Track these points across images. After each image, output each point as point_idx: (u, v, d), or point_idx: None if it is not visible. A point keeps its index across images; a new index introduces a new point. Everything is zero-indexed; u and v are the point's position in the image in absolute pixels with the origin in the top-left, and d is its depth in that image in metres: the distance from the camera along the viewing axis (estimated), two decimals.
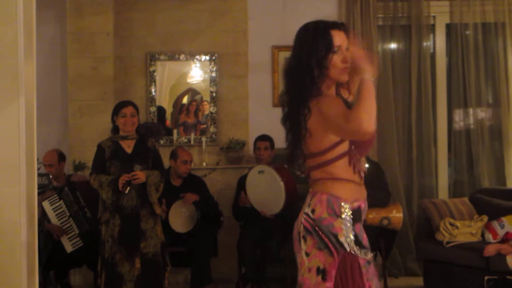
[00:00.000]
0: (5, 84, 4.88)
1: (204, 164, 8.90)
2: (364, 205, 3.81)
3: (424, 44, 9.11)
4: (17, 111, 4.90)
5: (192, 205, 7.73)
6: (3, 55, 4.90)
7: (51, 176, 7.64)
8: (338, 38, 3.65)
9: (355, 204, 3.71)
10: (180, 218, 7.68)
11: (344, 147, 3.66)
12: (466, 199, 8.36)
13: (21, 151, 4.93)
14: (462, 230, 7.80)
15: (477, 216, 7.99)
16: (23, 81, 4.92)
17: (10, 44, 4.89)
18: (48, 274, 7.74)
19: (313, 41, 3.64)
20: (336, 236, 3.61)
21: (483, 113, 9.14)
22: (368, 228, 7.07)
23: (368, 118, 3.45)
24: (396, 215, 7.43)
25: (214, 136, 9.06)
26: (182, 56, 9.06)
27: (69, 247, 7.49)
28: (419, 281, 8.25)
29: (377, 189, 7.48)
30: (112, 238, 6.73)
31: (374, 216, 7.33)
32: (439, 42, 9.29)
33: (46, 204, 7.48)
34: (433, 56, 9.28)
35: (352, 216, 3.67)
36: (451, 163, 9.30)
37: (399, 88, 9.07)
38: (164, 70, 9.12)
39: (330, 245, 3.60)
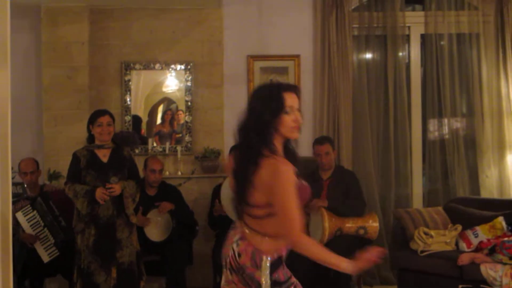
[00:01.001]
0: None
1: (179, 173, 8.90)
2: (286, 249, 4.05)
3: (400, 54, 9.17)
4: None
5: (168, 214, 7.75)
6: None
7: (25, 185, 7.63)
8: (290, 99, 3.89)
9: (275, 255, 3.96)
10: (155, 227, 7.69)
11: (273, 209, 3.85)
12: (440, 208, 8.40)
13: None
14: (436, 239, 7.85)
15: (451, 225, 8.04)
16: None
17: None
18: (23, 283, 7.73)
19: (265, 103, 3.87)
20: (258, 282, 3.89)
21: (457, 123, 9.22)
22: (344, 237, 7.17)
23: (307, 245, 3.92)
24: (373, 224, 7.46)
25: (189, 145, 9.06)
26: (157, 65, 9.07)
27: (45, 257, 7.47)
28: None
29: (352, 198, 7.53)
30: (88, 247, 6.73)
31: (351, 225, 7.35)
32: (414, 52, 9.35)
33: (19, 215, 7.44)
34: (408, 66, 9.34)
35: (270, 269, 3.92)
36: (426, 173, 9.36)
37: (375, 98, 9.12)
38: (139, 79, 9.12)
39: (253, 286, 3.91)
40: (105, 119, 6.89)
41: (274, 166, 3.78)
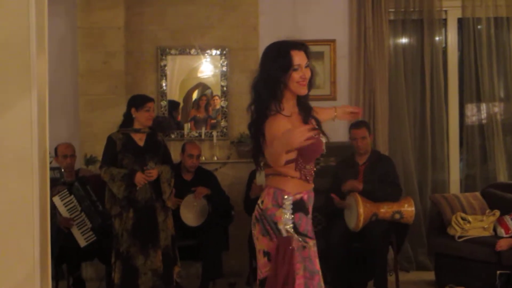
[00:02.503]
0: (18, 78, 4.91)
1: (215, 158, 8.93)
2: (307, 195, 4.23)
3: (436, 38, 9.12)
4: (29, 105, 4.92)
5: (203, 199, 7.76)
6: (15, 50, 4.92)
7: (62, 170, 7.69)
8: (298, 57, 4.12)
9: (298, 196, 4.15)
10: (191, 212, 7.71)
11: (291, 155, 4.03)
12: (478, 193, 8.38)
13: (33, 144, 4.96)
14: (474, 225, 7.83)
15: (489, 211, 8.01)
16: (35, 75, 4.94)
17: (22, 39, 4.92)
18: (60, 268, 7.81)
19: (275, 60, 4.12)
20: (276, 224, 4.07)
21: (495, 108, 9.15)
22: (380, 222, 7.16)
23: (275, 159, 3.94)
24: (408, 209, 7.44)
25: (225, 130, 9.09)
26: (192, 51, 9.08)
27: (82, 242, 7.53)
28: (431, 275, 8.30)
29: (388, 183, 7.52)
30: (127, 231, 6.75)
31: (386, 210, 7.34)
32: (451, 36, 9.30)
33: (56, 200, 7.51)
34: (445, 50, 9.30)
35: (292, 207, 4.12)
36: (463, 158, 9.32)
37: (411, 83, 9.09)
38: (174, 65, 9.15)
39: (270, 231, 4.08)
40: (152, 105, 6.98)
41: (267, 123, 4.07)
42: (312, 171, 4.24)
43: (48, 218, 5.19)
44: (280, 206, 4.09)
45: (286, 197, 4.09)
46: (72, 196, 7.61)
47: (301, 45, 4.21)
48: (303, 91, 4.19)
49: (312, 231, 4.25)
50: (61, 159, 7.89)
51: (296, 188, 4.16)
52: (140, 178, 6.68)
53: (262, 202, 4.18)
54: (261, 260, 4.22)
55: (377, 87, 8.86)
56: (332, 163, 8.33)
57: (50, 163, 5.45)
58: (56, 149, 7.94)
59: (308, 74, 4.18)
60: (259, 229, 4.17)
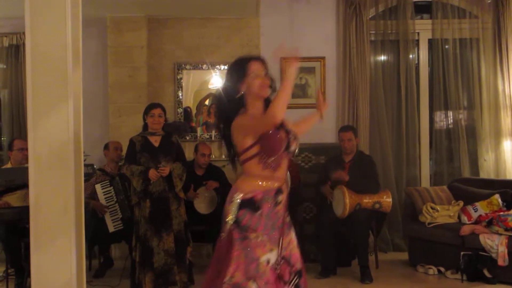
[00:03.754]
0: (57, 89, 4.94)
1: (223, 156, 8.90)
2: (262, 195, 4.00)
3: (410, 56, 9.11)
4: (66, 111, 4.95)
5: (213, 191, 7.77)
6: (55, 65, 4.95)
7: (94, 166, 7.71)
8: (254, 66, 4.06)
9: (248, 196, 3.97)
10: (203, 201, 7.72)
11: (254, 150, 3.97)
12: (445, 187, 8.39)
13: (70, 144, 4.98)
14: (441, 213, 7.84)
15: (454, 201, 8.02)
16: (71, 86, 4.98)
17: (60, 56, 4.94)
18: (92, 248, 7.84)
19: (234, 71, 4.12)
20: (224, 218, 4.02)
21: (459, 115, 9.15)
22: (363, 211, 7.18)
23: (279, 110, 3.78)
24: (386, 200, 7.45)
25: None
26: (204, 66, 9.09)
27: (111, 228, 7.58)
28: (405, 255, 8.29)
29: (369, 179, 7.53)
30: (144, 218, 6.77)
31: (367, 200, 7.36)
32: (423, 54, 9.30)
33: (98, 186, 7.62)
34: (417, 66, 9.29)
35: (238, 204, 3.97)
36: (432, 157, 9.32)
37: (389, 94, 9.09)
38: (189, 78, 9.16)
39: (223, 227, 4.04)
40: (156, 111, 6.95)
41: (237, 121, 4.00)
42: (280, 163, 4.07)
43: (82, 205, 5.21)
44: (230, 202, 4.02)
45: (236, 194, 3.99)
46: (111, 187, 7.69)
47: (257, 57, 4.23)
48: (266, 93, 4.08)
49: (263, 225, 3.97)
50: (112, 151, 8.05)
51: (251, 188, 3.99)
52: (153, 174, 6.71)
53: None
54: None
55: (359, 97, 8.87)
56: (322, 161, 8.35)
57: (84, 160, 5.45)
58: (107, 144, 8.11)
59: (267, 81, 4.10)
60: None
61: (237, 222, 3.96)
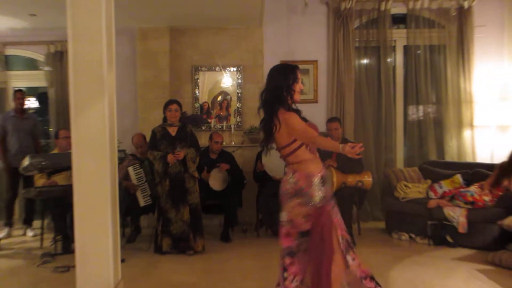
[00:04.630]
0: (94, 87, 4.97)
1: (233, 143, 8.95)
2: (324, 172, 4.30)
3: (388, 60, 9.08)
4: (102, 106, 5.00)
5: (225, 172, 7.81)
6: (92, 67, 4.97)
7: (125, 152, 7.76)
8: (299, 74, 4.33)
9: (319, 175, 4.23)
10: (217, 180, 7.76)
11: (298, 143, 4.26)
12: (416, 168, 8.40)
13: (106, 134, 5.02)
14: (413, 190, 7.85)
15: (424, 180, 8.06)
16: (106, 85, 5.01)
17: (97, 60, 4.98)
18: (126, 219, 7.90)
19: (286, 75, 4.28)
20: (311, 197, 4.16)
21: (428, 109, 9.13)
22: (347, 188, 7.19)
23: (319, 143, 4.19)
24: (367, 179, 7.48)
25: (240, 124, 9.11)
26: (217, 68, 9.09)
27: (142, 202, 7.64)
28: (382, 225, 8.31)
29: (353, 162, 7.54)
30: (165, 193, 6.93)
31: (352, 180, 7.39)
32: (399, 58, 9.27)
33: (130, 169, 7.67)
34: (394, 69, 9.25)
35: (319, 183, 4.20)
36: (406, 143, 9.31)
37: (371, 92, 9.06)
38: (204, 78, 9.15)
39: (309, 203, 4.19)
40: (173, 106, 7.08)
41: (287, 116, 4.19)
42: (315, 149, 4.35)
43: (116, 184, 5.25)
44: (312, 185, 4.17)
45: (315, 178, 4.18)
46: (142, 169, 7.72)
47: (298, 67, 4.37)
48: (298, 98, 4.33)
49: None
50: (136, 141, 8.10)
51: (317, 169, 4.24)
52: (170, 158, 6.89)
53: (298, 181, 4.21)
54: (300, 220, 4.23)
55: (346, 94, 8.87)
56: None
57: (118, 147, 5.48)
58: (133, 136, 8.16)
59: (302, 86, 4.37)
60: (299, 201, 4.21)
61: (324, 197, 4.21)
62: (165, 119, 7.15)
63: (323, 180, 4.23)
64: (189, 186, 6.97)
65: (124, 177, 7.60)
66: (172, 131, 7.06)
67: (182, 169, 6.95)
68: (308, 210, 4.20)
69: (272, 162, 7.71)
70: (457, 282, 5.67)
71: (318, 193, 4.18)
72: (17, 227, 8.64)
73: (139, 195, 7.63)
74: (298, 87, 4.29)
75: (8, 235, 8.33)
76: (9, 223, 8.40)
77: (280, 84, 4.25)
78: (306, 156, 4.24)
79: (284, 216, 4.34)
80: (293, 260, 4.27)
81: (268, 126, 4.30)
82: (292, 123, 4.18)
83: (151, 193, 7.65)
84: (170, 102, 7.17)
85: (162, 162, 6.92)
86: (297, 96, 4.31)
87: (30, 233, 8.43)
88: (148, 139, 7.59)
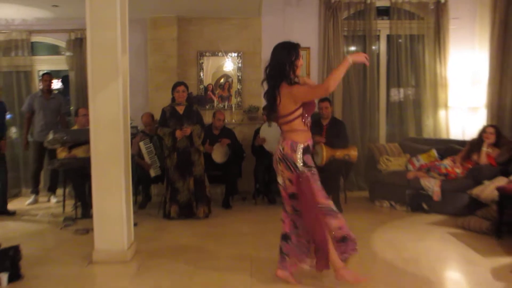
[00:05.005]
0: (109, 70, 5.00)
1: (233, 121, 8.95)
2: (310, 142, 4.34)
3: (373, 47, 9.08)
4: (117, 88, 5.03)
5: (226, 146, 7.83)
6: (108, 52, 5.00)
7: (137, 128, 7.78)
8: (300, 51, 4.30)
9: (305, 144, 4.26)
10: (219, 154, 7.76)
11: (299, 112, 4.23)
12: (396, 144, 8.43)
13: (120, 112, 5.03)
14: (393, 163, 7.89)
15: (403, 154, 8.09)
16: (120, 69, 5.03)
17: (112, 46, 5.00)
18: (138, 187, 7.94)
19: (289, 51, 4.25)
20: (294, 163, 4.21)
21: (409, 91, 9.15)
22: (336, 161, 7.19)
23: (333, 83, 4.03)
24: (353, 153, 7.46)
25: (240, 103, 9.11)
26: (220, 54, 9.07)
27: (152, 173, 7.71)
28: (366, 194, 8.40)
29: (341, 137, 7.55)
30: (173, 165, 6.96)
31: (339, 153, 7.36)
32: (382, 46, 9.25)
33: (141, 144, 7.72)
34: (378, 55, 9.25)
35: (302, 151, 4.23)
36: (388, 122, 9.32)
37: (357, 76, 9.04)
38: (208, 63, 9.13)
39: (291, 167, 4.21)
40: (181, 88, 7.07)
41: (291, 89, 4.19)
42: (309, 123, 4.34)
43: (129, 157, 5.27)
44: (295, 151, 4.20)
45: (298, 145, 4.20)
46: (151, 144, 7.76)
47: (299, 45, 4.32)
48: (299, 72, 4.34)
49: (312, 162, 4.33)
50: (145, 119, 8.10)
51: (303, 139, 4.25)
52: (178, 133, 6.90)
53: (283, 149, 4.23)
54: (287, 183, 4.30)
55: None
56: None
57: (131, 123, 5.50)
58: (142, 115, 8.16)
59: (302, 62, 4.36)
60: (284, 166, 4.25)
61: (304, 163, 4.24)
62: (173, 99, 7.14)
63: (306, 150, 4.25)
64: (194, 159, 6.98)
65: (137, 154, 7.65)
66: (180, 110, 7.06)
67: (188, 144, 6.97)
68: (290, 175, 4.24)
69: (269, 137, 7.75)
70: (431, 243, 5.71)
71: (299, 161, 4.20)
72: (42, 194, 8.71)
73: (150, 169, 7.69)
74: (299, 62, 4.27)
75: (35, 201, 8.43)
76: (36, 191, 8.50)
77: (284, 60, 4.22)
78: (298, 127, 4.23)
79: (279, 179, 4.39)
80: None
81: (271, 97, 4.29)
82: (298, 91, 4.17)
83: (160, 164, 7.69)
84: (178, 84, 7.16)
85: (171, 137, 6.94)
86: (298, 71, 4.30)
87: (53, 200, 8.54)
88: (156, 117, 7.61)
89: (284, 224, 4.46)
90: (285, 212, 4.46)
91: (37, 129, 8.34)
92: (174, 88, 7.11)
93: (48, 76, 8.46)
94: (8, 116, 9.00)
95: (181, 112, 7.05)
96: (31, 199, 8.42)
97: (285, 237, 4.44)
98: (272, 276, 4.54)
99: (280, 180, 4.38)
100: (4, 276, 4.55)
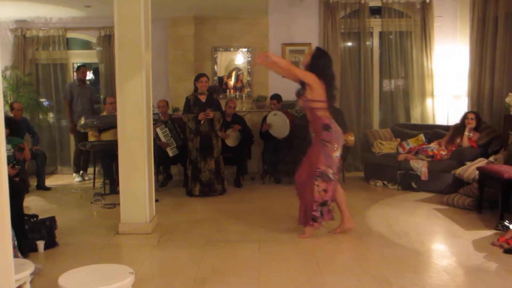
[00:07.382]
0: (134, 64, 4.98)
1: (244, 108, 8.87)
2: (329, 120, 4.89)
3: (367, 43, 8.95)
4: (141, 79, 5.00)
5: (238, 131, 7.76)
6: (133, 48, 4.98)
7: (159, 114, 7.70)
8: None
9: (328, 121, 4.86)
10: (231, 138, 7.71)
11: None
12: (388, 129, 8.33)
13: (143, 100, 5.02)
14: (386, 146, 7.82)
15: (395, 139, 8.00)
16: (144, 62, 5.01)
17: (137, 42, 4.98)
18: (159, 168, 7.87)
19: (327, 61, 5.05)
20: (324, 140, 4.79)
21: (398, 82, 9.04)
22: None
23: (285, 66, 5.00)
24: (350, 138, 7.32)
25: (249, 93, 9.01)
26: (232, 49, 8.97)
27: (170, 153, 7.62)
28: (362, 174, 8.30)
29: (339, 123, 7.46)
30: (195, 148, 6.90)
31: None
32: (375, 42, 9.11)
33: (158, 129, 7.59)
34: (371, 50, 9.12)
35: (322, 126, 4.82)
36: (381, 109, 9.22)
37: (353, 68, 8.92)
38: (222, 57, 9.02)
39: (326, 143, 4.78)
40: (204, 78, 7.01)
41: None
42: None
43: (151, 140, 5.26)
44: (326, 129, 4.78)
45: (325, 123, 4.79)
46: (166, 128, 7.68)
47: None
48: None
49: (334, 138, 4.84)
50: (160, 108, 7.91)
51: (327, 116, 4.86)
52: (201, 115, 6.87)
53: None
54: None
55: (333, 70, 8.73)
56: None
57: (153, 110, 5.46)
58: (158, 102, 7.97)
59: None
60: (317, 141, 4.82)
61: (323, 139, 4.76)
62: (195, 89, 7.08)
63: (326, 127, 4.81)
64: (214, 142, 6.94)
65: (157, 137, 7.58)
66: (202, 98, 7.01)
67: (210, 129, 6.93)
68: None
69: (276, 124, 7.68)
70: (419, 218, 5.68)
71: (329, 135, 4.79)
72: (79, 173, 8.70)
73: (168, 149, 7.60)
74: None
75: (83, 179, 8.51)
76: (79, 170, 8.61)
77: (326, 68, 4.95)
78: (326, 115, 4.91)
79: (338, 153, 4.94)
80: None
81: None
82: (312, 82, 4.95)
83: (176, 144, 7.63)
84: (201, 75, 7.11)
85: (194, 121, 6.89)
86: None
87: (85, 177, 8.54)
88: (170, 104, 7.52)
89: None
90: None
91: (76, 114, 8.38)
92: (197, 78, 7.05)
93: (84, 68, 8.66)
94: (46, 103, 9.15)
95: (203, 100, 7.00)
96: (78, 177, 8.51)
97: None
98: (278, 246, 4.54)
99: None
100: (41, 244, 4.64)
